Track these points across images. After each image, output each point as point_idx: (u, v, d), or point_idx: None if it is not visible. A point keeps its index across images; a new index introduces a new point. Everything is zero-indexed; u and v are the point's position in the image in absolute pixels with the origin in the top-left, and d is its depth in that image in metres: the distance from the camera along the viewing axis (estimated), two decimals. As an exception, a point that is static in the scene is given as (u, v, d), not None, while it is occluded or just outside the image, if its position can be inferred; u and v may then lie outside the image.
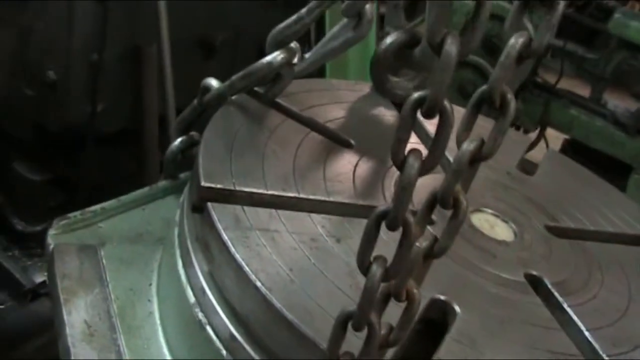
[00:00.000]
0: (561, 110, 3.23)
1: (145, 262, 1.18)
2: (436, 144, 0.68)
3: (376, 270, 0.70)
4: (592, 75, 3.34)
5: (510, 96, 0.72)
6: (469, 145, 0.73)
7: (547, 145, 3.19)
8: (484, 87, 0.73)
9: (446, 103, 0.67)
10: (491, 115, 0.77)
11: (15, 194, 2.63)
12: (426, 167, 0.68)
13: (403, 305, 0.76)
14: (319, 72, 2.87)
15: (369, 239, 0.70)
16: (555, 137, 3.55)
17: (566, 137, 3.47)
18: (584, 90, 3.48)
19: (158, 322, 1.10)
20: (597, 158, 3.08)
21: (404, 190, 0.67)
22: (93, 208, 1.23)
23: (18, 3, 2.25)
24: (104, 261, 1.16)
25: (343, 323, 0.73)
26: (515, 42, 0.72)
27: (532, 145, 1.49)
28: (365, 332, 0.73)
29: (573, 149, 3.28)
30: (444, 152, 0.70)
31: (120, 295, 1.12)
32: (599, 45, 3.37)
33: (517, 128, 3.15)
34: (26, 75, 2.36)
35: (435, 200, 0.75)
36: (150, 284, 1.15)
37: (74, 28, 2.27)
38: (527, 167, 1.40)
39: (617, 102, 3.41)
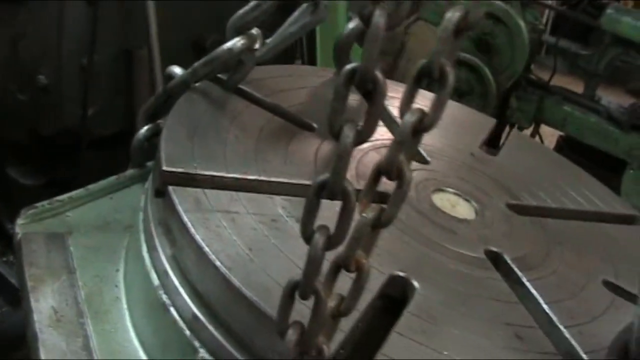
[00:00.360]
0: (555, 107, 3.25)
1: (113, 249, 1.19)
2: (370, 113, 0.70)
3: (319, 238, 0.71)
4: (585, 72, 3.37)
5: (449, 68, 0.74)
6: (410, 117, 0.74)
7: (542, 142, 3.20)
8: (424, 60, 0.75)
9: (377, 73, 0.69)
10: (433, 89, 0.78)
11: (10, 199, 2.63)
12: (362, 137, 0.70)
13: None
14: (310, 60, 2.88)
15: (311, 209, 0.72)
16: (551, 135, 3.58)
17: (561, 134, 3.49)
18: (577, 88, 3.51)
19: (125, 306, 1.11)
20: (592, 154, 3.10)
21: (341, 159, 0.69)
22: (61, 197, 1.24)
23: (10, 7, 2.26)
24: (71, 249, 1.17)
25: (290, 292, 0.75)
26: (452, 15, 0.74)
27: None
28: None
29: (568, 146, 3.30)
30: (377, 122, 0.71)
31: (88, 282, 1.13)
32: (594, 42, 3.39)
33: (512, 125, 3.17)
34: (18, 79, 2.37)
35: (380, 172, 0.76)
36: (118, 270, 1.16)
37: (64, 31, 2.28)
38: (491, 149, 1.42)
39: (610, 98, 3.44)
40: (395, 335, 0.92)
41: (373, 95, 0.70)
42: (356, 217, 0.74)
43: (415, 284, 1.01)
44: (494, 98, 3.05)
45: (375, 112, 0.70)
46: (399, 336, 0.92)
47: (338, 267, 0.77)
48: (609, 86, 3.70)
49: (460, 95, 3.09)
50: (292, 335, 0.75)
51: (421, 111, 0.75)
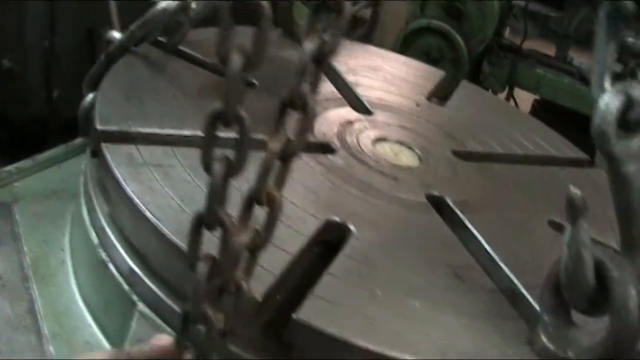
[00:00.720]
0: (528, 70, 3.26)
1: (60, 214, 1.20)
2: (257, 39, 0.70)
3: (217, 166, 0.71)
4: (556, 34, 3.37)
5: (344, -2, 0.74)
6: (310, 45, 0.74)
7: (517, 106, 3.20)
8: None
9: (262, 2, 0.69)
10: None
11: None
12: (250, 63, 0.69)
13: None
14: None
15: (209, 139, 0.72)
16: (527, 99, 3.58)
17: (536, 97, 3.49)
18: (550, 51, 3.51)
19: (70, 269, 1.12)
20: (569, 117, 3.10)
21: (231, 84, 0.68)
22: (8, 168, 1.24)
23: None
24: (17, 216, 1.18)
25: (197, 224, 0.74)
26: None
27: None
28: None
29: (544, 109, 3.30)
30: (265, 47, 0.71)
31: (34, 248, 1.14)
32: (569, 6, 3.39)
33: (486, 90, 3.17)
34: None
35: (285, 104, 0.76)
36: (64, 234, 1.17)
37: (26, 14, 2.27)
38: (439, 99, 1.41)
39: (582, 60, 3.43)
40: (328, 276, 0.91)
41: (259, 20, 0.70)
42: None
43: (352, 227, 1.01)
44: (466, 64, 3.05)
45: (262, 35, 0.69)
46: (332, 277, 0.91)
47: (250, 200, 0.77)
48: (587, 50, 3.65)
49: (433, 62, 3.08)
50: (202, 267, 0.75)
51: (321, 39, 0.75)
